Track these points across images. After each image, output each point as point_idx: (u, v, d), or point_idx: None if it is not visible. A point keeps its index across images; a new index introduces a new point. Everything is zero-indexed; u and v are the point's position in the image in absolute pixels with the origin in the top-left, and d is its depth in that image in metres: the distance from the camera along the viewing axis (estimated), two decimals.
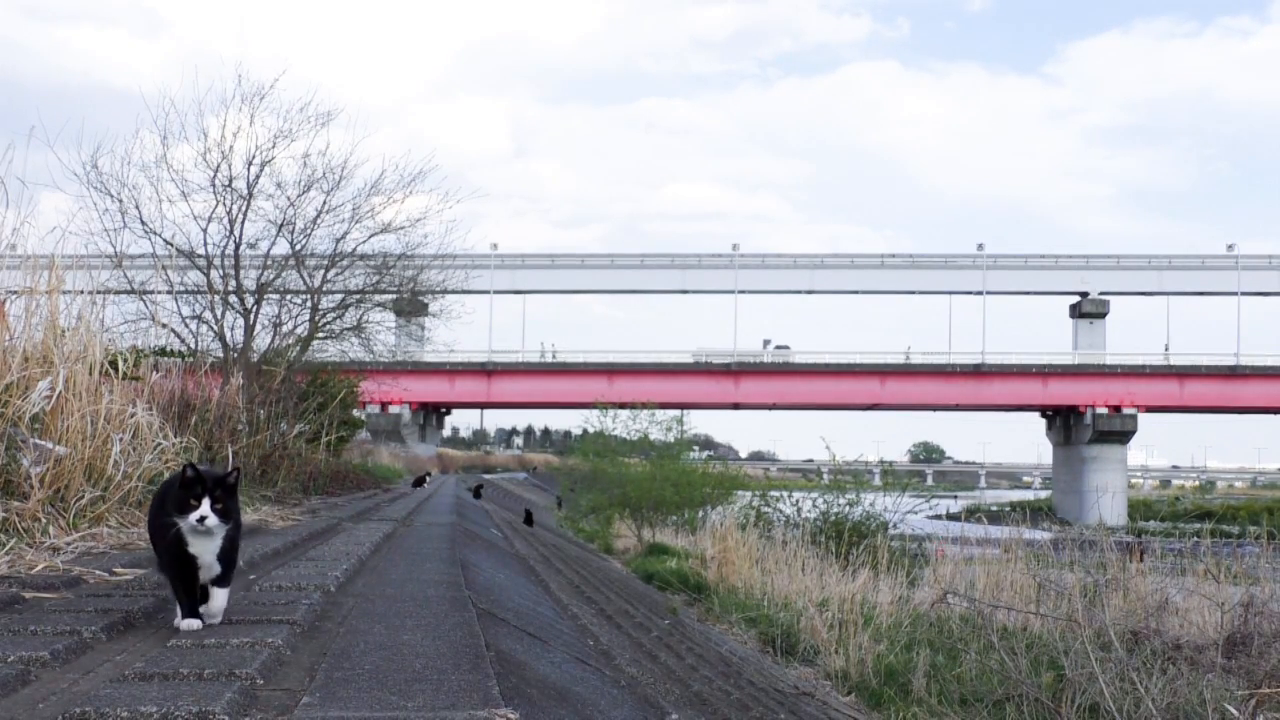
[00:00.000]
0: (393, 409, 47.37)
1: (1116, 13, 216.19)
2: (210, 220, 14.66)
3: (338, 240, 16.30)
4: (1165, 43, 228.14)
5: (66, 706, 2.00)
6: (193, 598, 2.73)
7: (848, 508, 14.46)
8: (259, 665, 2.34)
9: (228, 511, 2.64)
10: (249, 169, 14.74)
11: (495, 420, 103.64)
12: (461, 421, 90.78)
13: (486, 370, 52.95)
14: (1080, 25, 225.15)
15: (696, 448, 29.55)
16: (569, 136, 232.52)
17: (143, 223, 14.02)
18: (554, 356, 54.11)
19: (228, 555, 2.72)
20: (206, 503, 2.61)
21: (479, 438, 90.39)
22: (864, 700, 5.80)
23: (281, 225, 15.54)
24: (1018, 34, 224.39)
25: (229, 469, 2.72)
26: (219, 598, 2.77)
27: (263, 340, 15.19)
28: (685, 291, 58.56)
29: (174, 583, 2.74)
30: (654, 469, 19.53)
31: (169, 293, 13.89)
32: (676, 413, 25.70)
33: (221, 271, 14.78)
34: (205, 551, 2.67)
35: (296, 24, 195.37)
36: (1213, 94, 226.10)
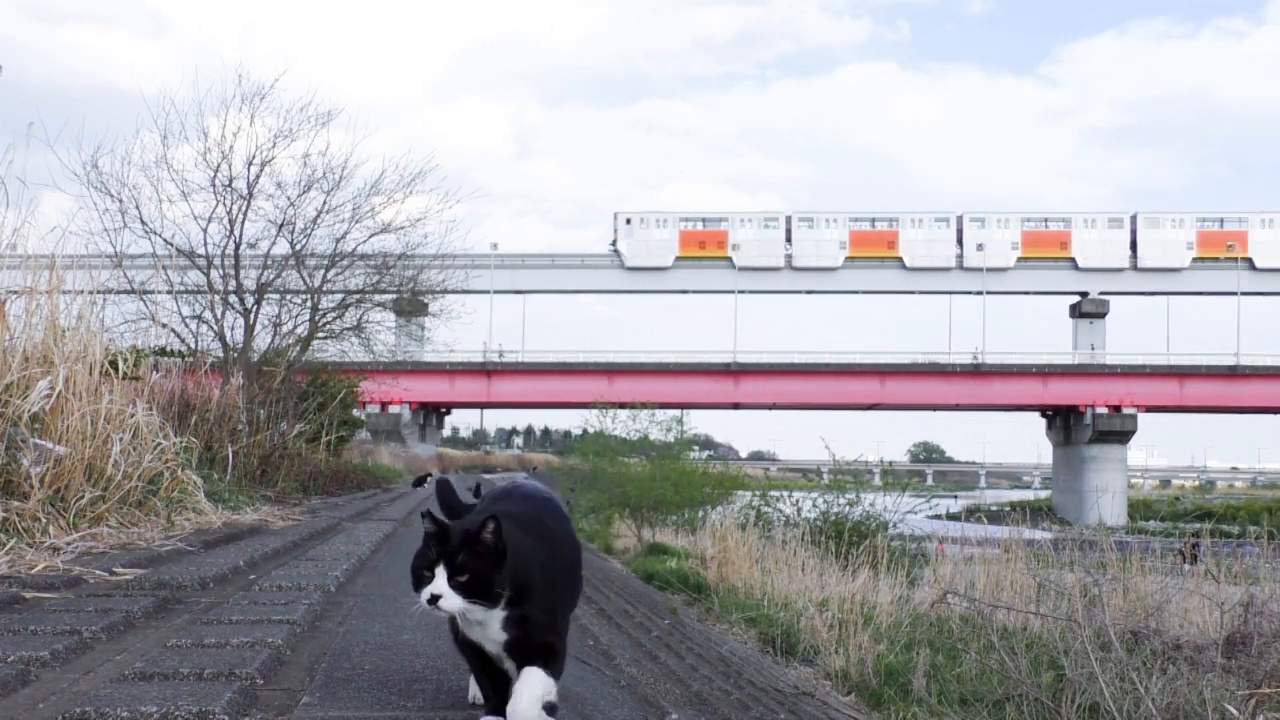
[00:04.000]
0: (393, 409, 47.34)
1: (1113, 14, 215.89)
2: (210, 220, 14.67)
3: (338, 240, 16.33)
4: (1161, 44, 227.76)
5: (66, 706, 2.00)
6: None
7: (848, 508, 14.42)
8: (259, 665, 2.34)
9: None
10: (249, 169, 14.75)
11: (495, 420, 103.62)
12: (461, 421, 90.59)
13: (486, 370, 52.92)
14: (1077, 27, 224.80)
15: (696, 448, 29.49)
16: (570, 137, 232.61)
17: (143, 223, 14.03)
18: (500, 357, 53.77)
19: None
20: None
21: (479, 438, 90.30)
22: (864, 700, 5.79)
23: (281, 225, 15.55)
24: (1015, 36, 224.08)
25: None
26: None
27: (263, 340, 15.20)
28: (685, 291, 58.65)
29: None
30: (654, 469, 19.50)
31: (169, 293, 13.88)
32: (676, 413, 25.67)
33: (221, 271, 14.78)
34: None
35: (297, 24, 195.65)
36: (1209, 94, 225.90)
